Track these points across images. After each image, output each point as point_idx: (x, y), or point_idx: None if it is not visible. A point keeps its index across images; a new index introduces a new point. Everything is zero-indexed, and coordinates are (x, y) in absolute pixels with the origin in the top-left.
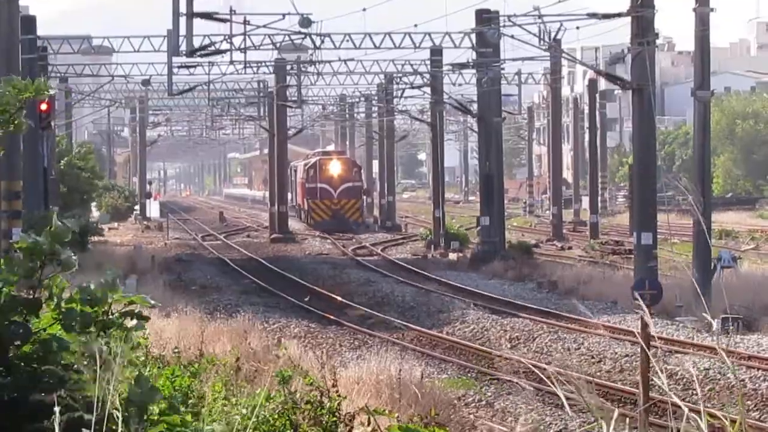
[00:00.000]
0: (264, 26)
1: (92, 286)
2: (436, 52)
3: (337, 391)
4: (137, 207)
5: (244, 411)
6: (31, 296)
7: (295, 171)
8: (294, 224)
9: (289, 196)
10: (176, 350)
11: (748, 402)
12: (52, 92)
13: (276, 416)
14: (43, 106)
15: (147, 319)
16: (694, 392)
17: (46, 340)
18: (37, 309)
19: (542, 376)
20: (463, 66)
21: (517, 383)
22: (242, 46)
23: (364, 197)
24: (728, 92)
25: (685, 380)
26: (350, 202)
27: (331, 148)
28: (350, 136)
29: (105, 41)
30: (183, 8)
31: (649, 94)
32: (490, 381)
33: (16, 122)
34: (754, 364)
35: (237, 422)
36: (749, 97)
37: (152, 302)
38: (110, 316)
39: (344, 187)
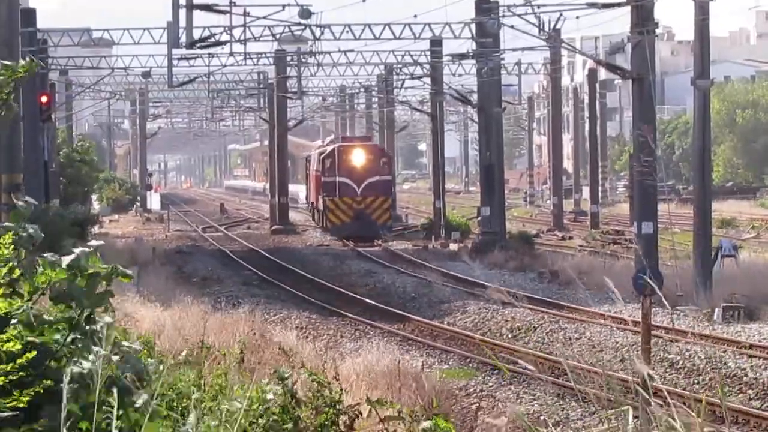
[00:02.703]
0: (264, 17)
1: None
2: (436, 42)
3: (339, 384)
4: (138, 199)
5: (237, 404)
6: (13, 279)
7: (309, 161)
8: (295, 216)
9: (294, 190)
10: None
11: (750, 391)
12: (39, 65)
13: (274, 410)
14: (44, 99)
15: (131, 277)
16: (696, 381)
17: (28, 321)
18: (18, 292)
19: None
20: (462, 56)
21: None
22: (242, 37)
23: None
24: (728, 81)
25: (686, 369)
26: (377, 200)
27: (329, 140)
28: (350, 127)
29: (105, 33)
30: (183, 0)
31: (649, 83)
32: (491, 371)
33: (7, 104)
34: (755, 353)
35: (235, 416)
36: (749, 86)
37: (129, 272)
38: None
39: (370, 182)
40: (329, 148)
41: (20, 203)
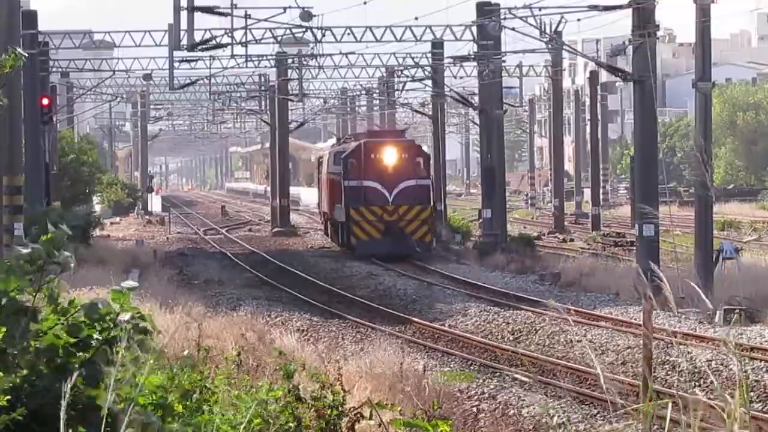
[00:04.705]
0: (265, 20)
1: (100, 306)
2: (437, 44)
3: (341, 385)
4: (140, 201)
5: (248, 405)
6: (32, 300)
7: (321, 163)
8: (296, 218)
9: (295, 192)
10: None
11: (751, 393)
12: (22, 60)
13: (279, 410)
14: (45, 101)
15: (151, 333)
16: (697, 384)
17: (52, 346)
18: (36, 314)
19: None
20: (464, 59)
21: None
22: (243, 39)
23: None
24: (729, 83)
25: (687, 372)
26: (413, 210)
27: (331, 141)
28: (352, 129)
29: (106, 36)
30: (184, 2)
31: (650, 85)
32: (492, 374)
33: None
34: (756, 356)
35: (242, 416)
36: (750, 88)
37: (157, 328)
38: (114, 331)
39: (404, 187)
40: (353, 145)
41: (55, 230)
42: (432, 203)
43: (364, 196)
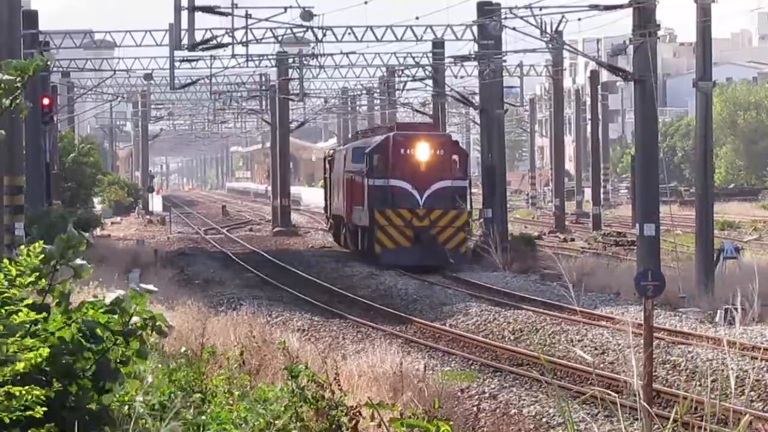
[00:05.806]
0: (266, 19)
1: (120, 296)
2: (438, 44)
3: (339, 386)
4: (140, 201)
5: (257, 407)
6: (41, 300)
7: (332, 161)
8: (297, 218)
9: (296, 192)
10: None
11: (752, 393)
12: (46, 63)
13: (283, 410)
14: (45, 101)
15: (166, 334)
16: (698, 383)
17: (56, 345)
18: (46, 314)
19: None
20: (464, 58)
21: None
22: (244, 39)
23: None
24: (730, 83)
25: (688, 371)
26: (448, 215)
27: (332, 141)
28: (352, 129)
29: (107, 36)
30: (185, 2)
31: (650, 85)
32: (493, 373)
33: (18, 105)
34: (758, 355)
35: (252, 417)
36: (751, 88)
37: (171, 323)
38: (130, 327)
39: (438, 188)
40: (379, 138)
41: (74, 233)
42: (469, 208)
43: (392, 197)
